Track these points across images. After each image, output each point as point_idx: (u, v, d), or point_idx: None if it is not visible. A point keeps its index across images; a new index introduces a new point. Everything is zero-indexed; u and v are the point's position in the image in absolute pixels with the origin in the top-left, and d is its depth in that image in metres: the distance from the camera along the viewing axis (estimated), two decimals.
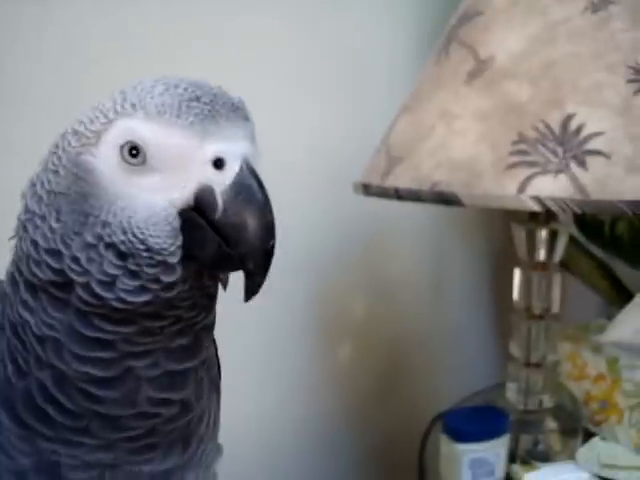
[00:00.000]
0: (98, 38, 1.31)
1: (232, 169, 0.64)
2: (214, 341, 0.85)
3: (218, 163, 0.64)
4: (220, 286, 0.71)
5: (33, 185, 0.69)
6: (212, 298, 0.71)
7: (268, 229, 0.65)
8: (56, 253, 0.65)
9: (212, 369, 0.84)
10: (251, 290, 0.66)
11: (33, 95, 1.25)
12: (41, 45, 1.26)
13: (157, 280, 0.64)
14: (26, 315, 0.68)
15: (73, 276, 0.65)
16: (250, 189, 0.64)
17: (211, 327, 0.74)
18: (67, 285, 0.66)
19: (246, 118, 0.67)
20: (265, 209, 0.65)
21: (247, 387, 1.60)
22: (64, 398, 0.68)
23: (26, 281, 0.68)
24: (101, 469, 0.71)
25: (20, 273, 0.69)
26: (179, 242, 0.65)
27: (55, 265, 0.65)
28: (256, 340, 1.64)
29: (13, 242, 0.72)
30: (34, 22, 1.25)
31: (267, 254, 0.65)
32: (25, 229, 0.68)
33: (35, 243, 0.67)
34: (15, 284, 0.70)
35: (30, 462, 0.70)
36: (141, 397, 0.68)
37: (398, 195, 1.24)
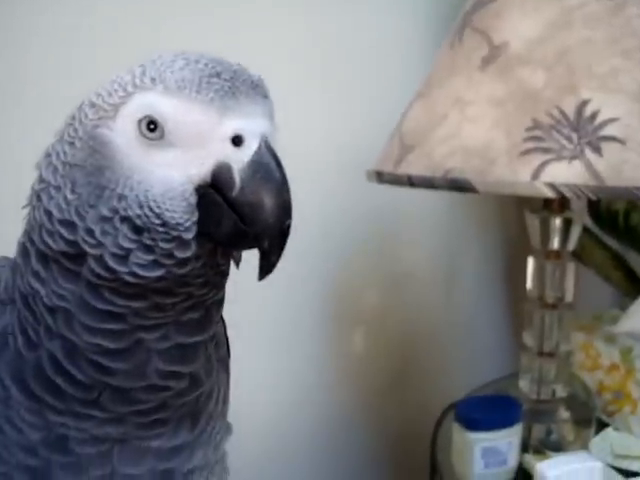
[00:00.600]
0: (107, 21, 1.31)
1: (251, 147, 0.63)
2: (223, 320, 0.85)
3: (237, 140, 0.63)
4: (233, 265, 0.71)
5: (48, 155, 0.69)
6: (224, 276, 0.71)
7: (285, 208, 0.65)
8: (70, 224, 0.65)
9: (221, 347, 0.84)
10: (265, 269, 0.66)
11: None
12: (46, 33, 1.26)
13: (171, 255, 0.64)
14: (37, 285, 0.68)
15: (86, 248, 0.64)
16: (268, 167, 0.64)
17: (221, 302, 0.74)
18: (79, 257, 0.65)
19: (265, 96, 0.67)
20: (282, 188, 0.65)
21: (260, 377, 1.60)
22: (74, 369, 0.68)
23: (38, 251, 0.68)
24: (109, 443, 0.72)
25: (32, 243, 0.69)
26: (195, 218, 0.64)
27: (69, 236, 0.65)
28: (269, 330, 1.64)
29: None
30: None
31: (283, 233, 0.65)
32: (39, 198, 0.68)
33: (49, 213, 0.66)
34: (26, 254, 0.69)
35: (39, 436, 0.70)
36: (151, 369, 0.68)
37: (411, 182, 1.24)
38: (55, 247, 0.66)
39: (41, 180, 0.69)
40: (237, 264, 0.70)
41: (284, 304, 1.64)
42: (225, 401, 0.85)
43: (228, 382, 0.88)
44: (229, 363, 0.88)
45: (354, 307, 1.84)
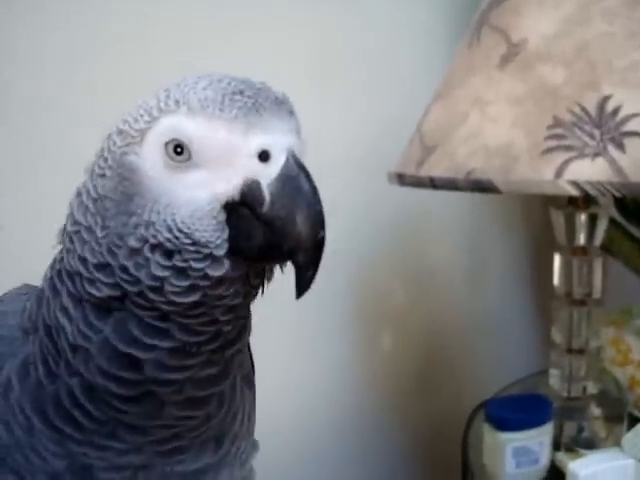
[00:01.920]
0: (116, 36, 1.32)
1: (278, 161, 0.63)
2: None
3: (263, 156, 0.63)
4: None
5: (79, 195, 0.69)
6: (248, 310, 0.71)
7: (318, 220, 0.64)
8: (106, 266, 0.65)
9: (245, 365, 0.84)
10: (303, 285, 0.66)
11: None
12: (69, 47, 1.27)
13: (205, 276, 0.64)
14: (64, 321, 0.68)
15: (126, 286, 0.64)
16: (297, 181, 0.63)
17: (240, 353, 0.74)
18: (122, 298, 0.65)
19: (291, 112, 0.66)
20: (314, 200, 0.64)
21: (286, 379, 1.61)
22: (90, 406, 0.68)
23: (69, 292, 0.68)
24: (133, 470, 0.72)
25: (62, 282, 0.69)
26: (225, 235, 0.64)
27: (108, 280, 0.65)
28: (295, 332, 1.64)
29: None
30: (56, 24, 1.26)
31: (317, 246, 0.64)
32: (72, 241, 0.68)
33: (84, 260, 0.67)
34: (55, 290, 0.70)
35: (64, 464, 0.70)
36: (164, 414, 0.69)
37: (433, 184, 1.23)
38: (100, 294, 0.66)
39: (74, 222, 0.69)
40: (269, 280, 0.70)
41: (310, 305, 1.64)
42: (250, 419, 0.84)
43: (254, 399, 0.87)
44: (254, 380, 0.88)
45: (380, 307, 1.84)
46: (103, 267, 0.65)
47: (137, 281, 0.64)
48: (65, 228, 0.70)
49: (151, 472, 0.73)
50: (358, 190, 1.69)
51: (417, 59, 1.80)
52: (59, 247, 0.72)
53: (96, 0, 1.28)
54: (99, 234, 0.66)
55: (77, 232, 0.68)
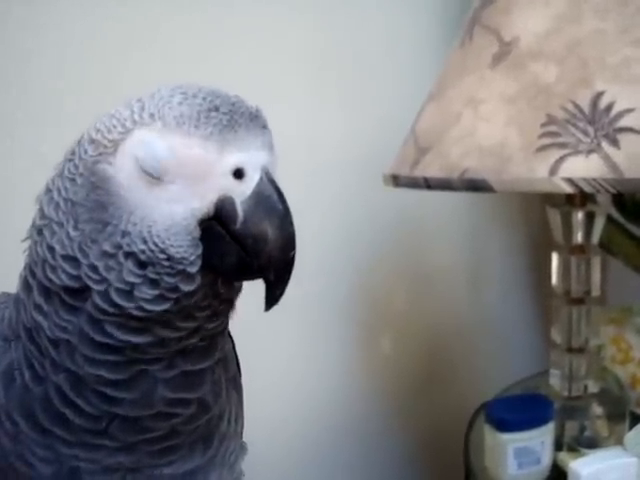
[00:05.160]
0: (109, 40, 1.31)
1: (252, 179, 0.64)
2: (231, 337, 0.85)
3: (238, 173, 0.63)
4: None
5: (49, 191, 0.69)
6: (231, 304, 0.71)
7: (289, 240, 0.65)
8: (73, 260, 0.65)
9: (230, 366, 0.84)
10: (271, 300, 0.66)
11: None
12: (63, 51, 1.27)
13: (176, 289, 0.64)
14: (40, 319, 0.68)
15: (90, 284, 0.65)
16: (270, 199, 0.64)
17: (225, 329, 0.74)
18: (82, 292, 0.65)
19: (264, 126, 0.67)
20: (286, 220, 0.65)
21: (288, 381, 1.61)
22: (81, 401, 0.68)
23: (39, 284, 0.68)
24: (121, 473, 0.71)
25: (33, 276, 0.69)
26: (199, 252, 0.64)
27: (72, 271, 0.65)
28: (296, 335, 1.64)
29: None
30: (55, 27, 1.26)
31: (288, 264, 0.66)
32: (41, 233, 0.68)
33: (52, 249, 0.67)
34: (29, 288, 0.70)
35: (51, 470, 0.70)
36: (157, 397, 0.68)
37: (428, 185, 1.23)
38: (58, 282, 0.66)
39: (43, 216, 0.69)
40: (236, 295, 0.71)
41: (311, 309, 1.64)
42: (237, 420, 0.84)
43: (240, 400, 0.87)
44: (240, 381, 0.88)
45: (380, 310, 1.84)
46: (70, 259, 0.65)
47: (104, 280, 0.64)
48: (34, 223, 0.70)
49: (139, 476, 0.72)
50: (355, 193, 1.69)
51: (410, 60, 1.80)
52: (27, 242, 0.72)
53: (96, 3, 1.28)
54: (71, 232, 0.66)
55: (46, 225, 0.68)
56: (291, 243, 0.65)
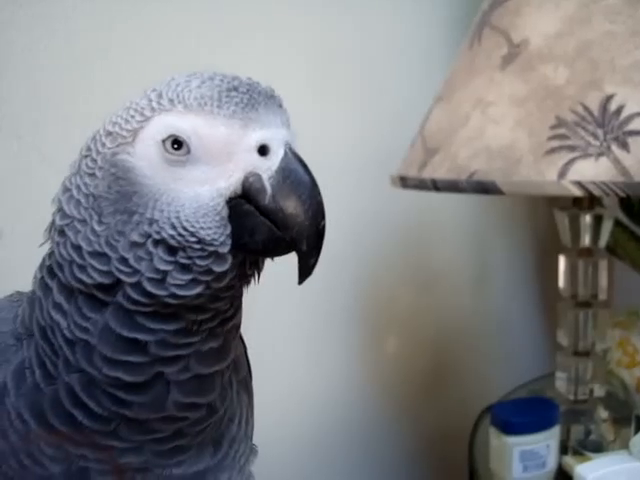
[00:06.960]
0: (113, 40, 1.31)
1: (277, 155, 0.65)
2: (243, 341, 0.85)
3: (262, 150, 0.64)
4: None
5: (67, 190, 0.69)
6: (248, 284, 0.71)
7: (318, 210, 0.66)
8: (102, 255, 0.65)
9: (241, 370, 0.84)
10: (305, 271, 0.67)
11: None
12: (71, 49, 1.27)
13: (209, 271, 0.64)
14: (58, 317, 0.68)
15: (122, 277, 0.64)
16: (297, 172, 0.65)
17: (238, 329, 0.74)
18: (113, 286, 0.65)
19: (281, 105, 0.68)
20: (314, 190, 0.66)
21: (294, 381, 1.61)
22: (92, 402, 0.67)
23: (60, 284, 0.68)
24: (131, 473, 0.71)
25: (52, 277, 0.69)
26: (228, 231, 0.65)
27: (102, 267, 0.65)
28: (302, 335, 1.64)
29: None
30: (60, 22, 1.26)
31: (319, 234, 0.66)
32: (63, 234, 0.68)
33: (78, 247, 0.66)
34: (47, 288, 0.69)
35: (60, 469, 0.69)
36: (169, 401, 0.68)
37: (436, 186, 1.23)
38: (89, 281, 0.66)
39: (64, 215, 0.68)
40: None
41: (316, 309, 1.64)
42: (248, 423, 0.84)
43: (251, 403, 0.87)
44: (251, 384, 0.88)
45: (386, 311, 1.84)
46: (99, 255, 0.65)
47: (136, 272, 0.64)
48: (54, 223, 0.70)
49: (149, 476, 0.72)
50: (362, 194, 1.69)
51: (419, 62, 1.80)
52: (47, 245, 0.71)
53: (96, 3, 1.28)
54: (96, 227, 0.65)
55: (69, 224, 0.67)
56: (321, 212, 0.66)
